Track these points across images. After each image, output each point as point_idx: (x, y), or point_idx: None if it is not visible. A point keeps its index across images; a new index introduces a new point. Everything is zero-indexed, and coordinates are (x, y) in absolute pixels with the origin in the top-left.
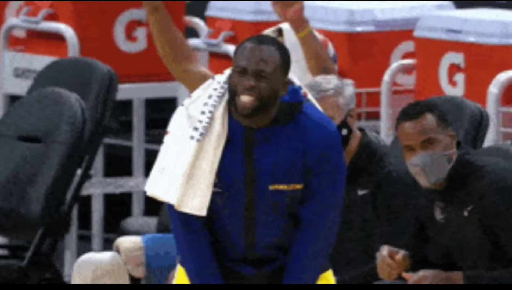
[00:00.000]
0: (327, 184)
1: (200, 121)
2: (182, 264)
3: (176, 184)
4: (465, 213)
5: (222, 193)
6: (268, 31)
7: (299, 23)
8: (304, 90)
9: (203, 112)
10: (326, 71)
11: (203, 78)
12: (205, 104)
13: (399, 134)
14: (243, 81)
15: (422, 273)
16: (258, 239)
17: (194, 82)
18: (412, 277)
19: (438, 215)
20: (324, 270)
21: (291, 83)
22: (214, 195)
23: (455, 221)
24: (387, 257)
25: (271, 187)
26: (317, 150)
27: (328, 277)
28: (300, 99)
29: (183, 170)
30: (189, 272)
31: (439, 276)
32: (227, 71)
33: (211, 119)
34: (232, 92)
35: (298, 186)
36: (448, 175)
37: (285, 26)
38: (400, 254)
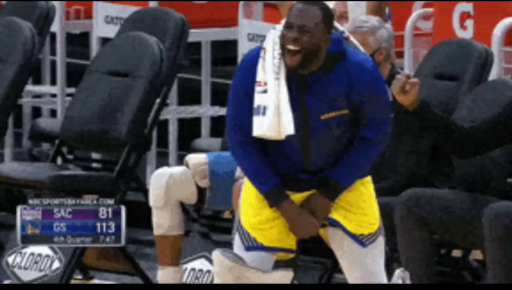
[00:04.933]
0: (378, 107)
1: (274, 65)
2: (243, 171)
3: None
4: None
5: None
6: None
7: None
8: (347, 33)
9: (273, 61)
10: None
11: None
12: (273, 57)
13: None
14: (289, 34)
15: None
16: (313, 158)
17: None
18: None
19: None
20: (363, 176)
21: (335, 29)
22: None
23: None
24: None
25: (322, 117)
26: (362, 84)
27: (366, 182)
28: (343, 48)
29: (283, 105)
30: (249, 176)
31: None
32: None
33: (279, 65)
34: (282, 44)
35: (345, 111)
36: None
37: None
38: None
